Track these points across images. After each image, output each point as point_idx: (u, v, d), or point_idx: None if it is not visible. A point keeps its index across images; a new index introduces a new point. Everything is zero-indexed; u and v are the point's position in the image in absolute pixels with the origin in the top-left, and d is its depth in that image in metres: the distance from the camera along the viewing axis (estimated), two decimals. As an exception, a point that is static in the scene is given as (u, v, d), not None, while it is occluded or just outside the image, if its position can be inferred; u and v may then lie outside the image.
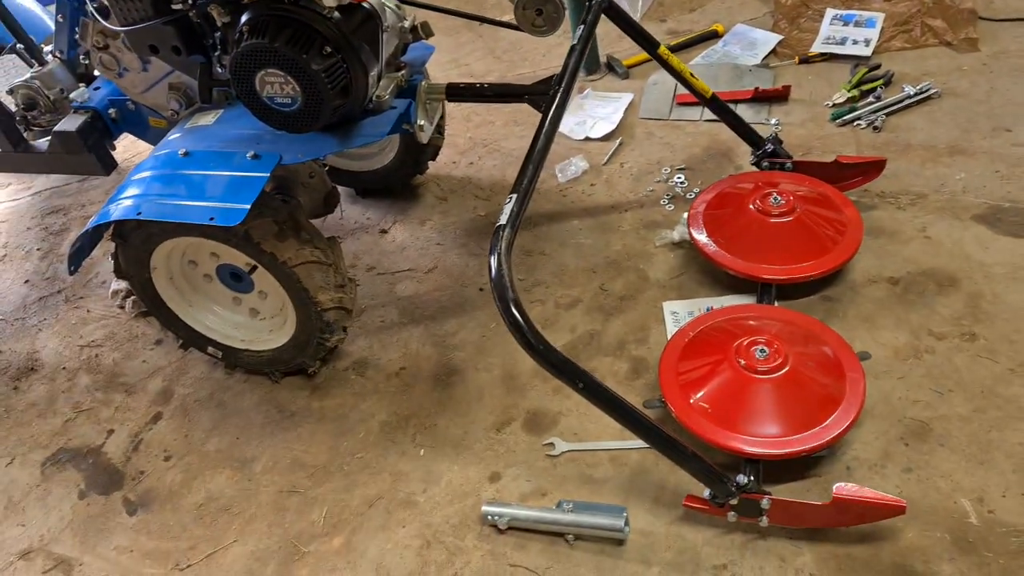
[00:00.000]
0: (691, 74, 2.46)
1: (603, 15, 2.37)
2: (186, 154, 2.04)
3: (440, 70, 3.45)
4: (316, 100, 1.88)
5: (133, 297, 2.66)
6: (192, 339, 2.37)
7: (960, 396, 1.99)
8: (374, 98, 2.05)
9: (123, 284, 2.70)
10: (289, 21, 1.83)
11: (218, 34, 1.97)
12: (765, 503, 1.72)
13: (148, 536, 2.09)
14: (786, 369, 1.90)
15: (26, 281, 2.96)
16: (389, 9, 2.03)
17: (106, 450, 2.32)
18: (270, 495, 2.12)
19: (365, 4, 1.91)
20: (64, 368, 2.59)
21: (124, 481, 2.23)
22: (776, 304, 2.22)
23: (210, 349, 2.37)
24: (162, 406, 2.41)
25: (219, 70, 2.06)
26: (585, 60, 3.26)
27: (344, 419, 2.25)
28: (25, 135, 2.57)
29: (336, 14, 1.85)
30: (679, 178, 2.73)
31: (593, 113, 3.06)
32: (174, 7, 1.89)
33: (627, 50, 3.35)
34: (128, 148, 3.40)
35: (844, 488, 1.68)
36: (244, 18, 1.86)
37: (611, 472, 2.00)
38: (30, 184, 3.45)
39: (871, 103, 2.83)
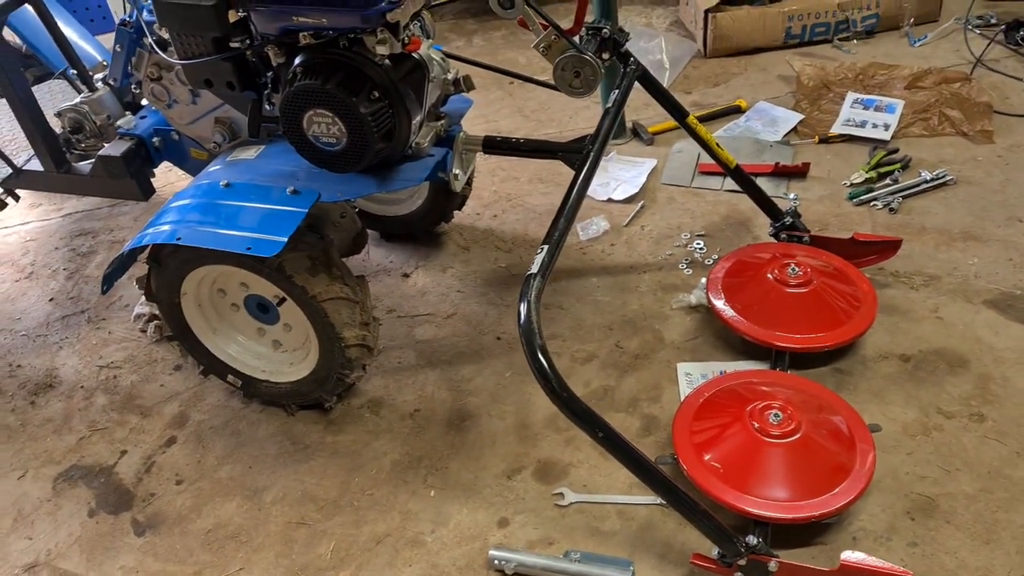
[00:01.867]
0: (717, 144, 2.54)
1: (636, 82, 2.46)
2: (227, 185, 2.11)
3: (469, 124, 3.52)
4: (361, 142, 1.95)
5: (156, 322, 2.70)
6: (213, 366, 2.41)
7: (967, 475, 2.02)
8: (414, 145, 2.13)
9: (146, 308, 2.75)
10: (342, 65, 1.91)
11: (271, 73, 2.06)
12: (773, 566, 1.74)
13: (154, 558, 2.10)
14: (799, 435, 1.93)
15: (51, 299, 3.01)
16: (436, 61, 2.12)
17: (118, 470, 2.34)
18: (279, 525, 2.14)
19: (415, 54, 2.00)
20: (82, 387, 2.62)
21: (134, 502, 2.25)
22: (789, 372, 2.26)
23: (230, 377, 2.40)
24: (177, 430, 2.43)
25: (268, 107, 2.13)
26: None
27: (357, 455, 2.28)
28: (67, 158, 2.64)
29: (387, 62, 1.93)
30: (698, 244, 2.79)
31: (617, 176, 3.14)
32: (232, 45, 1.97)
33: (652, 117, 3.45)
34: (162, 178, 3.47)
35: (852, 556, 1.70)
36: (298, 59, 1.95)
37: (619, 526, 2.02)
38: (61, 206, 3.52)
39: (888, 185, 2.92)
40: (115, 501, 2.26)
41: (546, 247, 1.82)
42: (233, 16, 1.93)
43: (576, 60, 2.17)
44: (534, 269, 1.76)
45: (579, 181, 2.01)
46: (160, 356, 2.70)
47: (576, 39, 2.25)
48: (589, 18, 2.39)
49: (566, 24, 2.21)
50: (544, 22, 2.15)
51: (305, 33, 1.90)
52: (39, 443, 2.45)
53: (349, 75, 1.90)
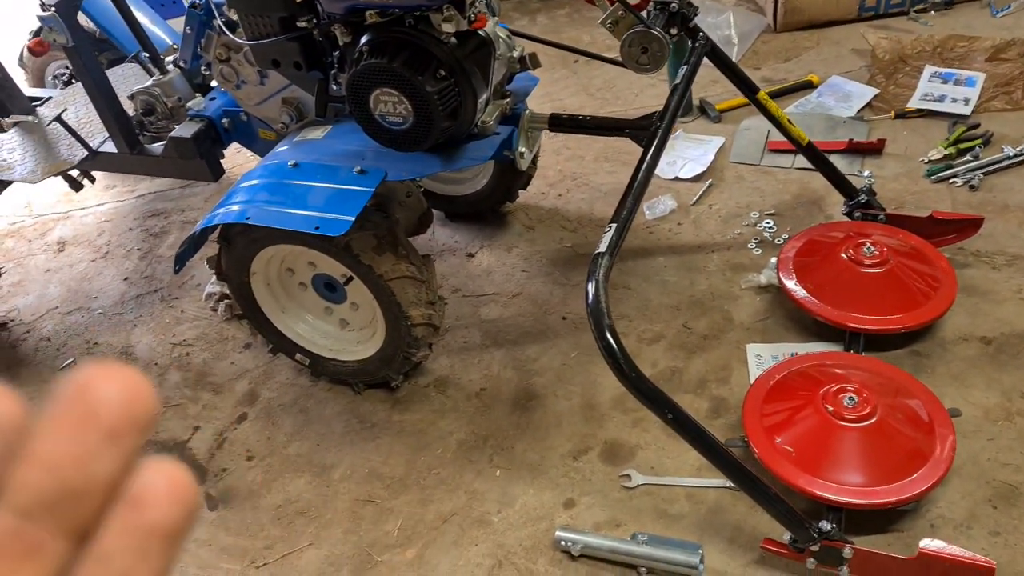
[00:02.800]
0: (788, 121, 2.47)
1: (705, 58, 2.40)
2: (295, 165, 2.13)
3: (534, 103, 3.49)
4: (427, 121, 1.94)
5: (226, 301, 2.75)
6: (282, 345, 2.44)
7: (1052, 463, 1.94)
8: (479, 123, 2.11)
9: (217, 287, 2.80)
10: (407, 44, 1.90)
11: (337, 53, 2.06)
12: (847, 552, 1.70)
13: (226, 532, 2.15)
14: (874, 419, 1.88)
15: (125, 279, 3.09)
16: (501, 39, 2.10)
17: (191, 446, 2.39)
18: (346, 502, 2.16)
19: (480, 32, 1.98)
20: (156, 364, 2.69)
21: (207, 477, 2.30)
22: (864, 354, 2.19)
23: (298, 356, 2.43)
24: (247, 407, 2.48)
25: (335, 87, 2.14)
26: (679, 102, 3.31)
27: (423, 434, 2.29)
28: (140, 139, 2.70)
29: (452, 40, 1.92)
30: (768, 223, 2.73)
31: (684, 154, 3.08)
32: (299, 24, 1.98)
33: (719, 94, 3.37)
34: (231, 159, 3.53)
35: (931, 544, 1.65)
36: (364, 39, 1.94)
37: (687, 509, 1.99)
38: (134, 187, 3.60)
39: (968, 161, 2.80)
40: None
41: (614, 226, 1.79)
42: (301, -5, 1.94)
43: (644, 36, 2.13)
44: (602, 248, 1.74)
45: (647, 159, 1.98)
46: (231, 334, 2.75)
47: (644, 14, 2.20)
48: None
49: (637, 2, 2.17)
50: (611, -3, 2.11)
51: (371, 12, 1.90)
52: (116, 418, 2.52)
53: (415, 54, 1.89)
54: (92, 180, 2.82)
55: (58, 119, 2.55)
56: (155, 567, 0.33)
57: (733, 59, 3.45)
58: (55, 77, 3.48)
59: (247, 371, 2.60)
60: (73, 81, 3.19)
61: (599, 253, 1.73)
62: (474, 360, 2.48)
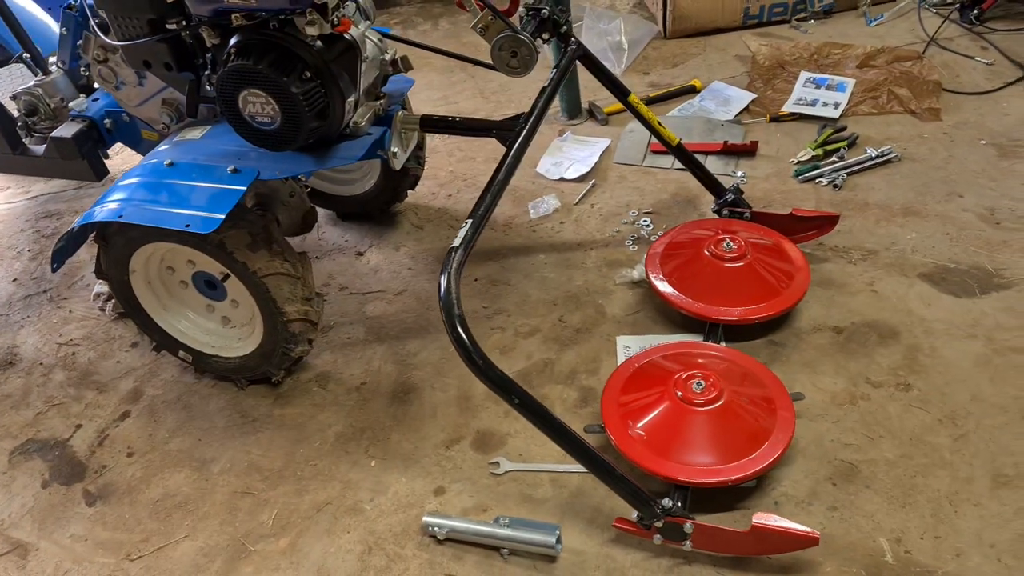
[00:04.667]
0: (659, 123, 2.59)
1: (577, 62, 2.51)
2: (171, 164, 2.16)
3: (431, 106, 3.60)
4: (294, 121, 2.01)
5: (113, 300, 2.76)
6: (165, 342, 2.47)
7: (889, 442, 2.08)
8: (351, 124, 2.18)
9: (105, 287, 2.81)
10: (273, 46, 1.96)
11: (209, 54, 2.11)
12: (688, 527, 1.81)
13: (103, 527, 2.17)
14: (720, 403, 1.99)
15: (14, 280, 3.07)
16: (370, 42, 2.17)
17: (72, 443, 2.41)
18: (225, 495, 2.20)
19: (346, 35, 2.05)
20: (41, 364, 2.69)
21: (86, 474, 2.32)
22: (723, 344, 2.32)
23: (181, 353, 2.46)
24: (131, 405, 2.50)
25: (208, 88, 2.18)
26: (568, 105, 3.42)
27: (303, 428, 2.34)
28: (26, 140, 2.70)
29: (318, 43, 1.98)
30: (645, 221, 2.85)
31: (570, 156, 3.19)
32: (168, 26, 2.02)
33: (608, 98, 3.48)
34: (126, 160, 3.53)
35: (763, 519, 1.77)
36: (232, 41, 1.99)
37: (551, 493, 2.08)
38: (28, 189, 3.57)
39: (834, 162, 2.97)
40: (68, 473, 2.32)
41: (470, 222, 1.87)
42: (169, -2, 1.98)
43: (512, 40, 2.23)
44: (456, 242, 1.82)
45: (509, 158, 2.07)
46: (118, 334, 2.76)
47: (516, 20, 2.29)
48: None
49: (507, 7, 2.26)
50: (480, 3, 2.20)
51: (237, 14, 1.95)
52: (-3, 418, 2.52)
53: (281, 56, 1.95)
54: (-24, 180, 2.81)
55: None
56: None
57: (623, 64, 3.60)
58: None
59: (133, 369, 2.62)
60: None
61: (453, 247, 1.81)
62: (356, 355, 2.54)
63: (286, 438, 2.32)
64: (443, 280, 1.76)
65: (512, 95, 3.71)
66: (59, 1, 3.38)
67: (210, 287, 2.36)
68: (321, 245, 2.97)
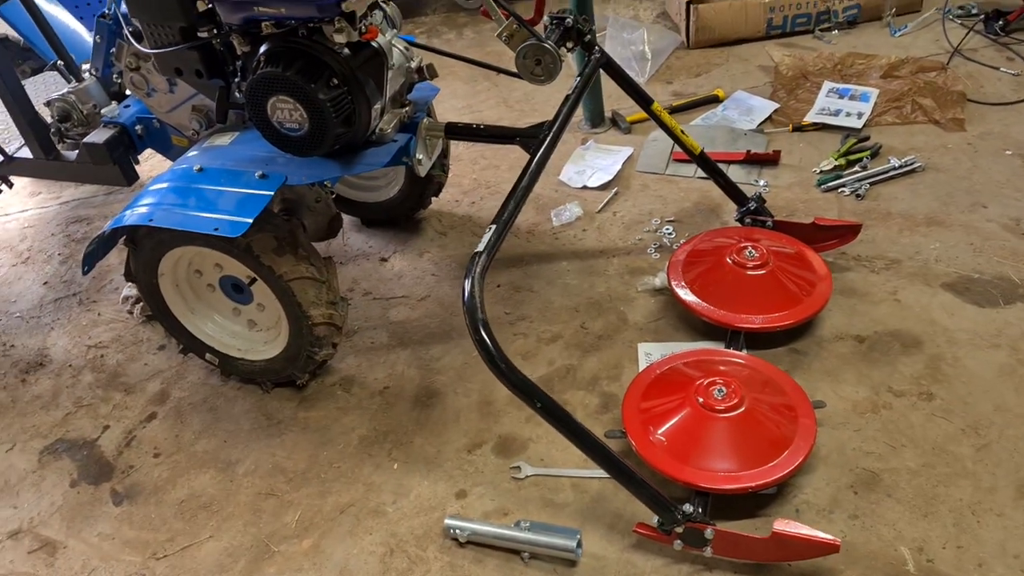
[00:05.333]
0: (682, 131, 2.60)
1: (601, 70, 2.53)
2: (200, 170, 2.20)
3: (455, 115, 3.63)
4: (321, 127, 2.04)
5: (141, 303, 2.81)
6: (192, 345, 2.51)
7: (912, 451, 2.08)
8: (377, 130, 2.21)
9: (133, 291, 2.85)
10: (301, 53, 2.00)
11: (238, 62, 2.15)
12: (709, 533, 1.81)
13: (130, 526, 2.20)
14: (741, 409, 2.00)
15: (44, 283, 3.13)
16: (397, 50, 2.20)
17: (100, 444, 2.45)
18: (249, 496, 2.23)
19: (373, 43, 2.08)
20: (70, 365, 2.73)
21: (114, 473, 2.35)
22: (745, 352, 2.32)
23: (208, 356, 2.50)
24: (158, 407, 2.54)
25: (237, 95, 2.22)
26: (591, 114, 3.44)
27: (327, 430, 2.37)
28: (59, 146, 2.75)
29: (346, 50, 2.02)
30: (667, 229, 2.86)
31: (593, 164, 3.21)
32: (199, 35, 2.07)
33: (631, 107, 3.50)
34: (155, 166, 3.58)
35: (783, 524, 1.77)
36: (262, 48, 2.03)
37: (572, 498, 2.09)
38: (59, 194, 3.64)
39: (857, 172, 2.97)
40: (96, 473, 2.36)
41: (494, 227, 1.90)
42: (201, 5, 2.03)
43: (536, 48, 2.25)
44: (480, 247, 1.84)
45: (532, 164, 2.09)
46: (146, 336, 2.81)
47: (540, 28, 2.32)
48: (564, 7, 2.44)
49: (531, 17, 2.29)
50: (506, 11, 2.22)
51: (267, 23, 1.99)
52: (28, 418, 2.56)
53: (308, 63, 1.99)
54: (10, 185, 2.87)
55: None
56: None
57: (647, 74, 3.62)
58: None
59: (160, 372, 2.66)
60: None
61: (477, 252, 1.84)
62: (380, 360, 2.56)
63: (310, 441, 2.35)
64: (467, 284, 1.79)
65: (535, 103, 3.73)
66: (91, 10, 3.46)
67: (237, 291, 2.40)
68: (346, 251, 3.00)
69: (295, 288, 2.19)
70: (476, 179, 3.30)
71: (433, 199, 3.00)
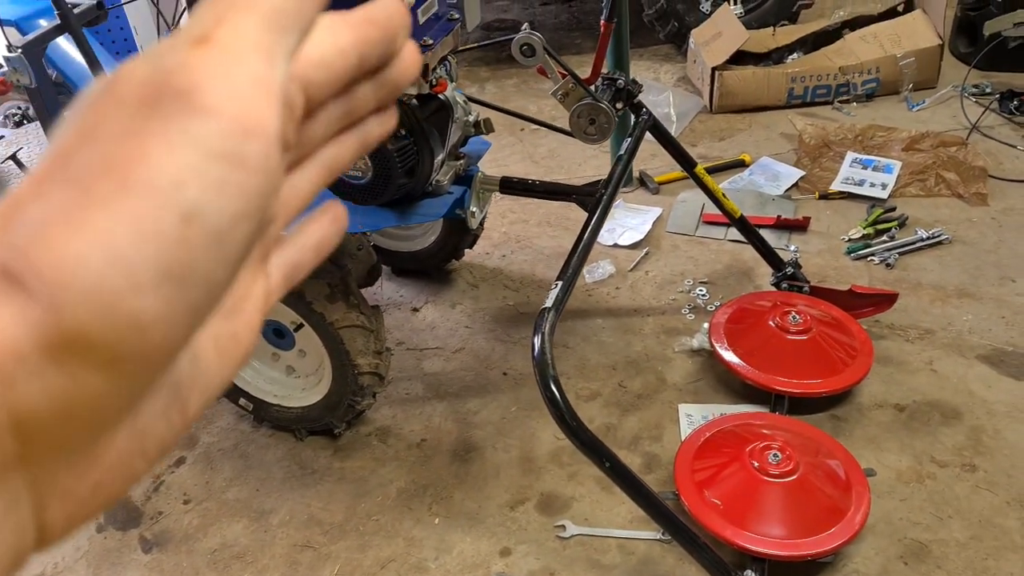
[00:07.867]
0: (723, 195, 2.64)
1: (647, 132, 2.56)
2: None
3: (482, 168, 3.65)
4: (385, 176, 2.04)
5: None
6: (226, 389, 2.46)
7: (959, 523, 2.07)
8: (434, 182, 2.22)
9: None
10: (371, 103, 2.01)
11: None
12: (769, 600, 1.79)
13: (160, 574, 2.14)
14: (797, 475, 1.99)
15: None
16: (459, 103, 2.22)
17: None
18: (284, 548, 2.18)
19: (441, 96, 2.10)
20: (94, 405, 2.67)
21: (142, 520, 2.29)
22: (788, 416, 2.32)
23: (242, 401, 2.46)
24: (186, 451, 2.48)
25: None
26: (620, 173, 3.47)
27: (364, 482, 2.32)
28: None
29: (414, 101, 2.03)
30: (701, 290, 2.88)
31: (623, 223, 3.23)
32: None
33: (658, 167, 3.55)
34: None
35: (846, 593, 1.75)
36: (329, 96, 2.04)
37: (619, 559, 2.06)
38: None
39: (885, 242, 3.01)
40: (123, 518, 2.30)
41: (560, 283, 1.90)
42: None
43: (592, 108, 2.28)
44: (548, 303, 1.84)
45: (592, 223, 2.10)
46: (172, 379, 2.75)
47: (592, 88, 2.35)
48: (604, 69, 2.50)
49: (583, 73, 2.32)
50: (563, 70, 2.25)
51: (338, 71, 2.00)
52: (50, 459, 2.49)
53: (378, 112, 2.00)
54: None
55: (12, 157, 2.58)
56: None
57: (673, 135, 3.66)
58: (6, 117, 3.49)
59: (188, 415, 2.60)
60: (25, 122, 3.21)
61: (545, 308, 1.83)
62: (416, 411, 2.53)
63: (347, 492, 2.30)
64: (536, 340, 1.78)
65: (561, 160, 3.77)
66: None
67: (278, 336, 2.37)
68: (377, 299, 2.98)
69: (344, 336, 2.17)
70: (506, 232, 3.31)
71: (466, 251, 3.00)
